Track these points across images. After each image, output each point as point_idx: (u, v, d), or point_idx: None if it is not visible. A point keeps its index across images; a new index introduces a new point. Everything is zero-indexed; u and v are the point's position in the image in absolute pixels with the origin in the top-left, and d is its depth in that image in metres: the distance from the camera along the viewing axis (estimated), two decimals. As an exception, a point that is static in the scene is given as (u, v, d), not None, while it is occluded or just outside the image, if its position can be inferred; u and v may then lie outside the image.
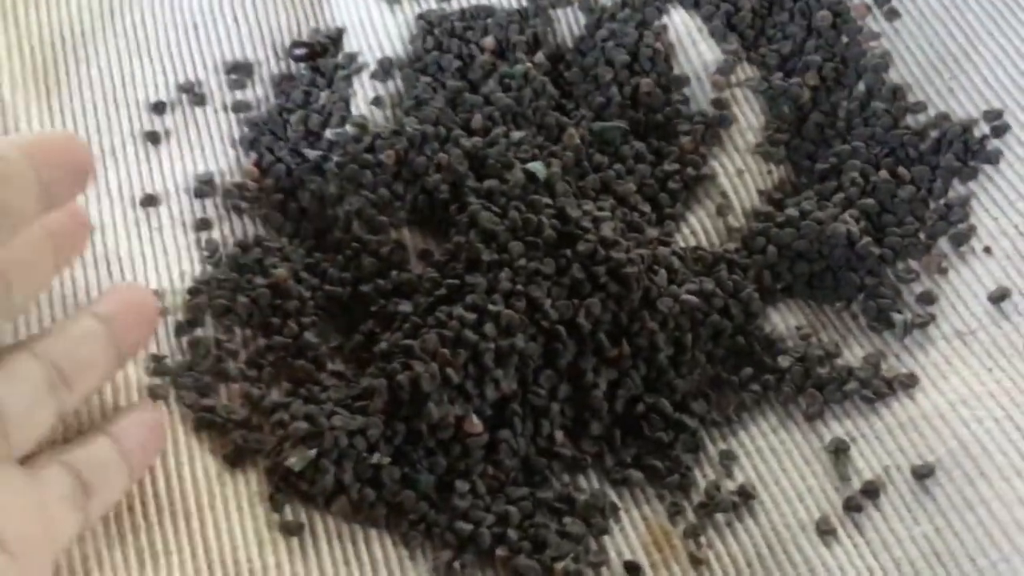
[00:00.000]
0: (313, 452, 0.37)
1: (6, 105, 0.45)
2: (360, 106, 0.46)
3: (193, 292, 0.41)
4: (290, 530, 0.37)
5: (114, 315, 0.35)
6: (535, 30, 0.49)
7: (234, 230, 0.44)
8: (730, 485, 0.39)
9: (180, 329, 0.41)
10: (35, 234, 0.34)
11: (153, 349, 0.40)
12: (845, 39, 0.48)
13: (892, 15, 0.49)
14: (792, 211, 0.43)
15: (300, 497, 0.37)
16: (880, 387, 0.40)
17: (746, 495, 0.38)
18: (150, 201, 0.44)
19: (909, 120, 0.46)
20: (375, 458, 0.37)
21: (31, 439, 0.33)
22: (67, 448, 0.35)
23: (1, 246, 0.32)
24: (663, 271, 0.41)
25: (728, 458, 0.39)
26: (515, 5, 0.49)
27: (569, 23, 0.49)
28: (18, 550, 0.31)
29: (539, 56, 0.47)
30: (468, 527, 0.37)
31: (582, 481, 0.39)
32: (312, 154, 0.45)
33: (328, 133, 0.45)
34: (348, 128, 0.45)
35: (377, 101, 0.46)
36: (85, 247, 0.37)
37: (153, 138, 0.46)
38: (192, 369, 0.40)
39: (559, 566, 0.36)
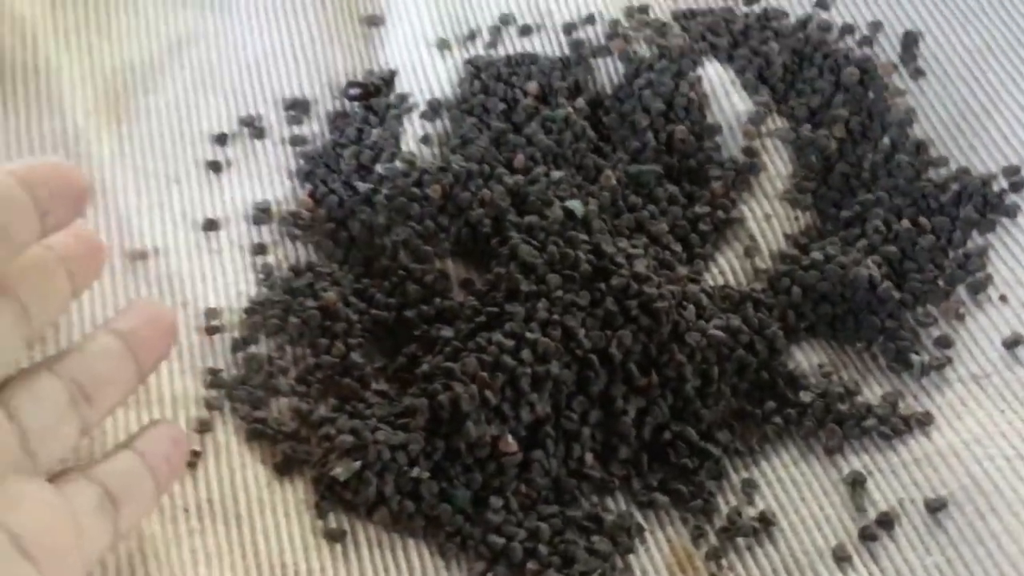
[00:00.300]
0: (357, 464, 0.39)
1: (80, 130, 0.48)
2: (409, 143, 0.49)
3: (249, 312, 0.44)
4: (334, 536, 0.39)
5: (132, 331, 0.36)
6: (576, 77, 0.51)
7: (288, 255, 0.46)
8: (751, 511, 0.40)
9: (236, 346, 0.43)
10: (47, 259, 0.35)
11: (210, 363, 0.42)
12: (872, 95, 0.50)
13: (918, 74, 0.51)
14: (817, 255, 0.46)
15: (344, 506, 0.39)
16: (897, 424, 0.42)
17: (766, 521, 0.40)
18: (211, 226, 0.47)
19: (931, 173, 0.48)
20: (415, 472, 0.40)
21: (55, 455, 0.34)
22: (92, 464, 0.36)
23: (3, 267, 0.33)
24: (692, 307, 0.43)
25: (750, 486, 0.41)
26: (558, 54, 0.52)
27: (608, 72, 0.52)
28: (47, 562, 0.32)
29: (579, 101, 0.50)
30: (501, 541, 0.39)
31: (610, 502, 0.41)
32: (363, 187, 0.48)
33: (379, 167, 0.48)
34: (397, 163, 0.48)
35: (426, 139, 0.49)
36: (100, 271, 0.38)
37: (215, 167, 0.49)
38: (246, 383, 0.42)
39: (586, 581, 0.38)
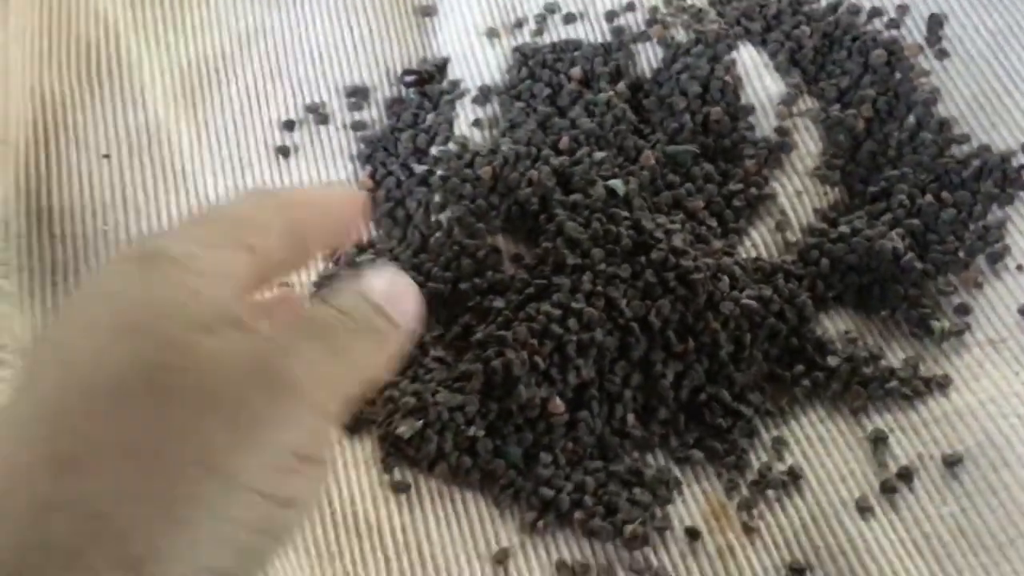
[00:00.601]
0: (420, 423, 0.43)
1: (160, 121, 0.52)
2: (462, 127, 0.53)
3: (318, 285, 0.48)
4: (399, 489, 0.43)
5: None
6: (618, 62, 0.54)
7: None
8: (780, 467, 0.44)
9: (306, 316, 0.47)
10: None
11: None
12: (898, 75, 0.53)
13: (942, 55, 0.54)
14: (844, 228, 0.49)
15: (408, 461, 0.43)
16: (918, 385, 0.45)
17: (794, 475, 0.43)
18: (280, 206, 0.51)
19: (954, 150, 0.51)
20: (471, 431, 0.43)
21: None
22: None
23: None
24: (726, 278, 0.46)
25: (780, 443, 0.45)
26: (600, 40, 0.55)
27: (648, 57, 0.55)
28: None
29: (620, 86, 0.53)
30: (550, 493, 0.43)
31: (650, 459, 0.45)
32: (419, 168, 0.51)
33: (433, 150, 0.52)
34: (451, 146, 0.51)
35: (477, 123, 0.53)
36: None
37: (284, 152, 0.53)
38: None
39: (628, 528, 0.42)
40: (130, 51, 0.54)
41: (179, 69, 0.54)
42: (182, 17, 0.56)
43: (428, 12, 0.58)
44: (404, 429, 0.43)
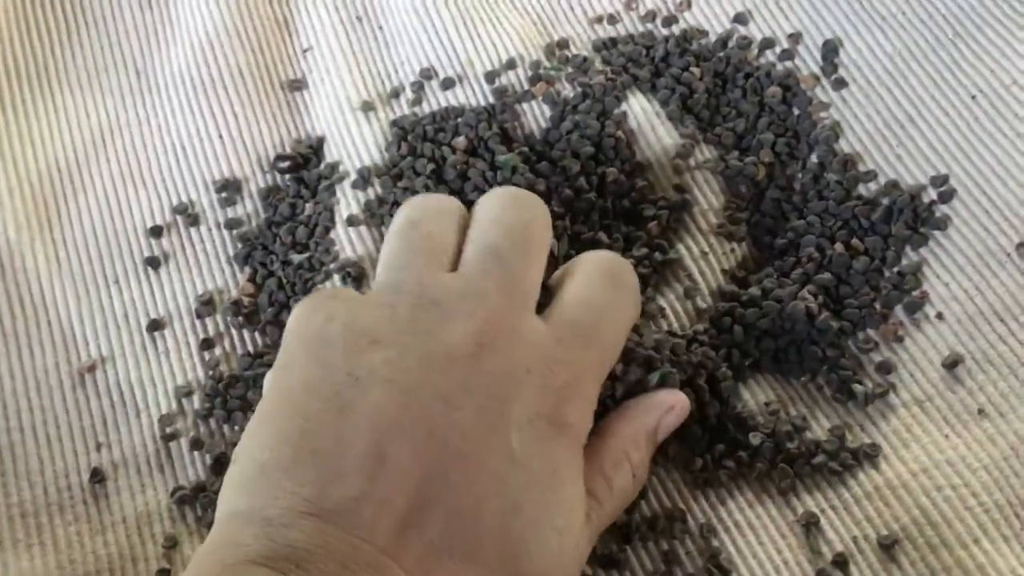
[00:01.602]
0: None
1: (12, 245, 0.48)
2: (339, 226, 0.49)
3: (202, 417, 0.44)
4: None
5: None
6: (504, 125, 0.51)
7: (235, 346, 0.47)
8: (709, 560, 0.41)
9: (194, 446, 0.44)
10: None
11: (170, 471, 0.43)
12: (796, 111, 0.50)
13: (840, 84, 0.51)
14: (755, 290, 0.46)
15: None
16: (846, 459, 0.43)
17: (724, 571, 0.41)
18: (155, 326, 0.47)
19: (861, 189, 0.49)
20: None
21: None
22: None
23: None
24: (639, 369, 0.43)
25: (707, 531, 0.42)
26: (483, 103, 0.52)
27: (535, 116, 0.52)
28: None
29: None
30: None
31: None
32: (298, 258, 0.48)
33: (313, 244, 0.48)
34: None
35: (352, 221, 0.49)
36: None
37: (153, 263, 0.49)
38: (207, 490, 0.43)
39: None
40: (-28, 171, 0.50)
41: (28, 185, 0.50)
42: (26, 123, 0.51)
43: (297, 87, 0.54)
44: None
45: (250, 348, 0.47)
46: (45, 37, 0.54)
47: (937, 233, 0.47)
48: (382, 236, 0.48)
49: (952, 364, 0.44)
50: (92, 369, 0.46)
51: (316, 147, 0.52)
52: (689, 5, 0.54)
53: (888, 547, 0.40)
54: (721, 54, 0.52)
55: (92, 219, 0.50)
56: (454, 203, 0.42)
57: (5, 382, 0.45)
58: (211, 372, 0.46)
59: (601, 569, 0.40)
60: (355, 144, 0.51)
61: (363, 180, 0.50)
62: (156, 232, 0.50)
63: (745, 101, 0.51)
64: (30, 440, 0.43)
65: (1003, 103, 0.49)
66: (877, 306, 0.46)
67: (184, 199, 0.51)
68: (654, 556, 0.42)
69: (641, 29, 0.54)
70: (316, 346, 0.36)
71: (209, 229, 0.50)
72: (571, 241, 0.48)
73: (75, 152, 0.51)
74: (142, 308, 0.48)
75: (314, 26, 0.55)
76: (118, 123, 0.52)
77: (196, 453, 0.44)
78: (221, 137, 0.52)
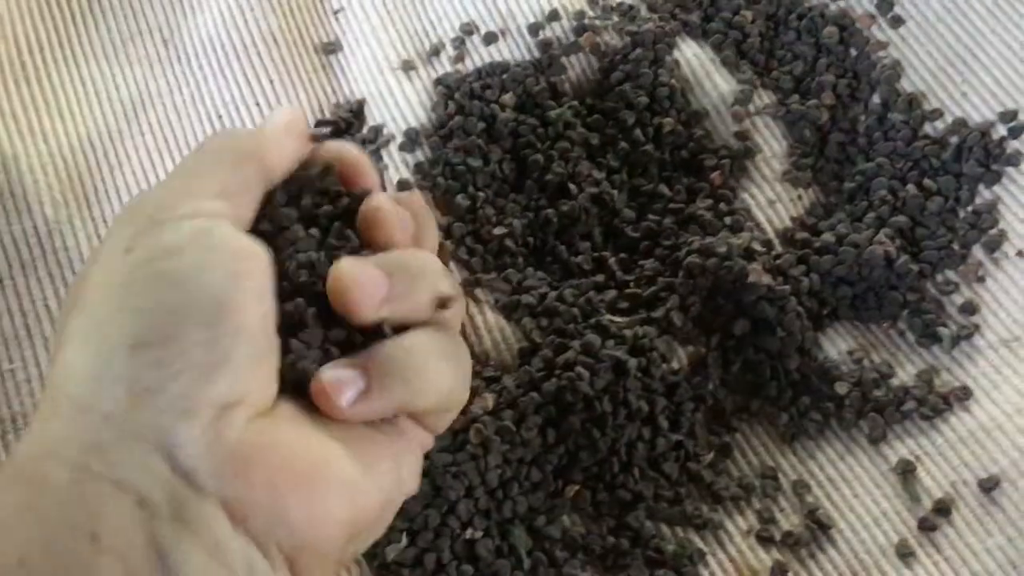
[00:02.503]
0: (403, 543, 0.39)
1: (51, 224, 0.46)
2: (393, 178, 0.47)
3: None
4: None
5: None
6: (552, 79, 0.49)
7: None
8: (807, 516, 0.40)
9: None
10: None
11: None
12: (854, 52, 0.49)
13: (896, 22, 0.50)
14: (828, 236, 0.45)
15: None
16: (937, 403, 0.41)
17: (823, 525, 0.40)
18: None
19: (928, 128, 0.47)
20: (469, 533, 0.39)
21: None
22: None
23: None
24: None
25: (801, 487, 0.41)
26: (527, 58, 0.50)
27: (583, 68, 0.50)
28: None
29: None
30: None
31: (665, 529, 0.41)
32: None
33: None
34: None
35: (403, 184, 0.47)
36: None
37: (198, 237, 0.47)
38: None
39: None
40: (3, 147, 0.47)
41: (61, 159, 0.47)
42: (54, 97, 0.49)
43: (331, 49, 0.51)
44: (390, 551, 0.39)
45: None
46: (66, 7, 0.51)
47: (1010, 169, 0.46)
48: (434, 198, 0.46)
49: (1039, 302, 0.43)
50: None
51: (356, 111, 0.49)
52: (732, -52, 0.52)
53: (989, 489, 0.39)
54: (771, -4, 0.51)
55: (130, 193, 0.47)
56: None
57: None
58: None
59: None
60: (398, 105, 0.49)
61: (411, 142, 0.48)
62: (198, 205, 0.47)
63: (801, 43, 0.49)
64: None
65: (1068, 33, 0.47)
66: (955, 246, 0.45)
67: (224, 170, 0.48)
68: (748, 516, 0.40)
69: (685, -27, 0.52)
70: None
71: (253, 200, 0.48)
72: (631, 195, 0.47)
73: (107, 125, 0.49)
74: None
75: (343, -14, 0.53)
76: (148, 93, 0.49)
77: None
78: (258, 104, 0.50)
